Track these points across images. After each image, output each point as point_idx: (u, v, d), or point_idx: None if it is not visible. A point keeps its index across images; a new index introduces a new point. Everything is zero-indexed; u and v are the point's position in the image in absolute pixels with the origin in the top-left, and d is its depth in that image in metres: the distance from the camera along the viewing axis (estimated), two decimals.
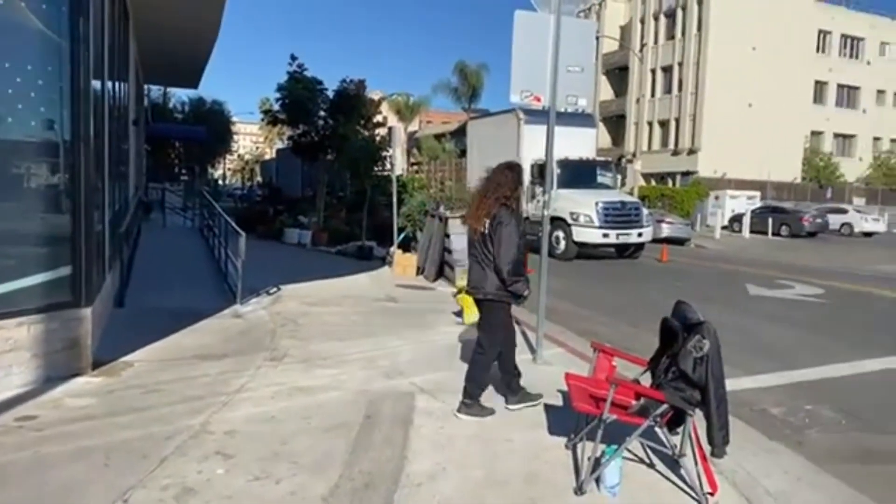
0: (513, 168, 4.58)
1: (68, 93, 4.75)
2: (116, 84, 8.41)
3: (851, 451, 4.50)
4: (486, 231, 4.37)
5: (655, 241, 20.15)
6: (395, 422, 4.29)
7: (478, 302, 4.61)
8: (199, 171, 42.27)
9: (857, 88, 47.72)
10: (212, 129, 33.35)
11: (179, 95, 41.32)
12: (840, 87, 47.24)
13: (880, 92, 48.41)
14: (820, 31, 45.37)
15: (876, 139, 48.56)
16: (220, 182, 61.00)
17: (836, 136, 47.78)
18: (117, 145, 8.67)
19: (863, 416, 5.15)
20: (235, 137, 62.38)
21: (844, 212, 33.09)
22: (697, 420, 3.45)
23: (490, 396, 4.72)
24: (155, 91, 33.69)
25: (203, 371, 5.18)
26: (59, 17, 4.78)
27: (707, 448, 3.41)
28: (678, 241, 22.91)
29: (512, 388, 4.66)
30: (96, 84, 5.58)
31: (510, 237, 4.28)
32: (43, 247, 4.93)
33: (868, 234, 31.06)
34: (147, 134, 23.52)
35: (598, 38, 43.30)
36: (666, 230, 22.69)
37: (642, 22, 45.78)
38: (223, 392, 4.69)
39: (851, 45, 47.75)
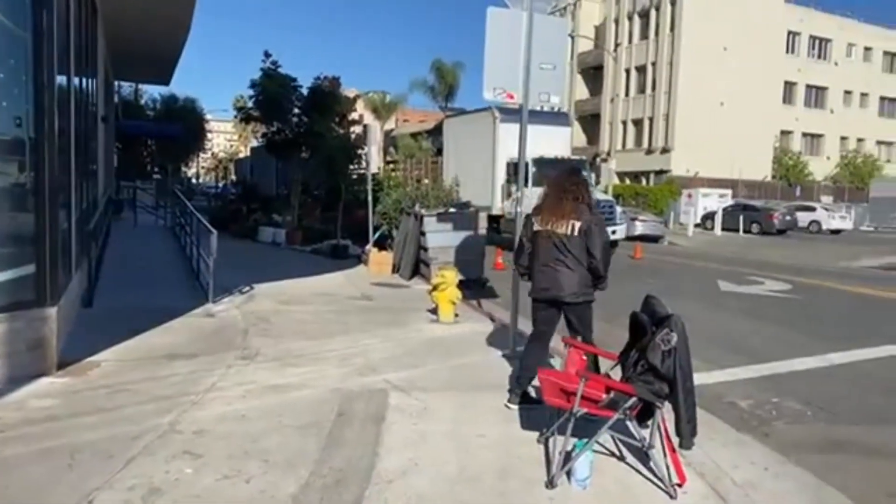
0: (580, 172, 4.79)
1: (32, 87, 4.64)
2: (83, 79, 8.24)
3: (816, 442, 4.60)
4: (575, 233, 4.35)
5: (629, 238, 20.40)
6: (368, 419, 4.27)
7: (560, 304, 4.47)
8: (172, 170, 41.62)
9: (824, 89, 48.77)
10: (185, 126, 32.81)
11: (151, 92, 40.64)
12: (809, 87, 48.25)
13: (847, 92, 49.55)
14: (789, 33, 46.26)
15: (843, 138, 49.70)
16: (194, 181, 60.16)
17: (805, 135, 48.79)
18: (85, 142, 8.49)
19: (827, 408, 5.27)
20: (209, 135, 61.52)
21: (813, 210, 33.77)
22: (666, 412, 3.49)
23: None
24: (126, 88, 33.07)
25: (173, 370, 5.11)
26: (21, 8, 4.67)
27: (676, 440, 3.46)
28: (652, 239, 23.17)
29: (521, 384, 4.65)
30: (61, 79, 5.46)
31: (604, 237, 4.45)
32: (5, 245, 4.81)
33: (835, 232, 31.74)
34: (118, 131, 23.08)
35: (573, 38, 43.69)
36: (640, 228, 22.94)
37: (616, 22, 46.19)
38: (193, 391, 4.62)
39: (820, 46, 48.77)
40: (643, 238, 21.92)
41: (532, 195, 16.20)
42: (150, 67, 16.20)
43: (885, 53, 51.00)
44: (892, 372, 6.50)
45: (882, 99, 51.27)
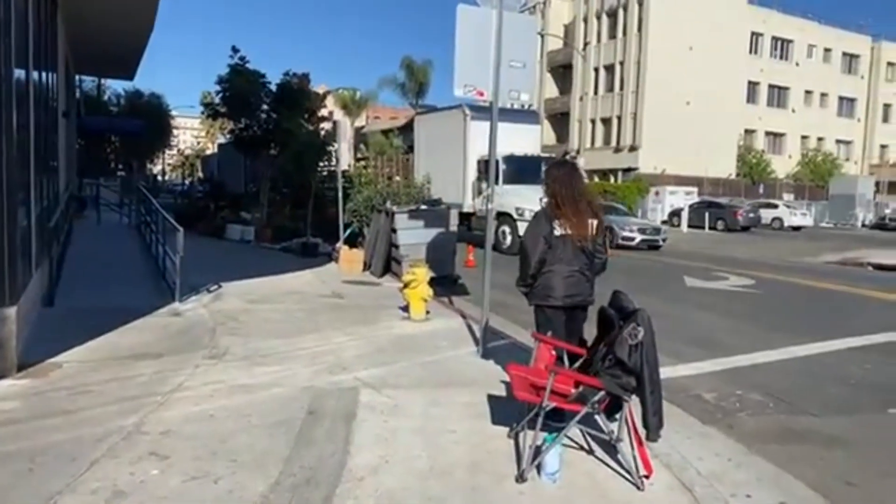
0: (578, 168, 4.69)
1: None
2: (43, 73, 8.01)
3: (777, 433, 4.72)
4: (594, 232, 4.28)
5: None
6: (339, 417, 4.25)
7: (582, 310, 4.41)
8: (137, 167, 40.77)
9: (786, 89, 50.01)
10: (150, 122, 32.15)
11: (115, 87, 39.74)
12: (771, 87, 49.42)
13: (808, 93, 50.90)
14: (752, 34, 47.30)
15: (804, 137, 51.05)
16: (160, 178, 59.01)
17: (768, 134, 49.98)
18: (45, 138, 8.26)
19: (788, 400, 5.42)
20: (176, 132, 60.48)
21: (775, 207, 34.66)
22: (634, 406, 3.55)
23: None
24: (88, 83, 32.27)
25: (138, 371, 5.01)
26: None
27: (643, 432, 3.52)
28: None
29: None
30: (20, 73, 5.30)
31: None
32: None
33: (797, 228, 32.61)
34: (80, 127, 22.49)
35: (542, 36, 44.00)
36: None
37: (585, 21, 46.66)
38: (159, 392, 4.54)
39: (782, 47, 49.97)
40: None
41: (503, 192, 16.18)
42: (113, 62, 15.82)
43: (844, 54, 52.51)
44: (849, 364, 6.71)
45: (841, 99, 52.81)
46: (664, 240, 20.06)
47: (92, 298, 7.70)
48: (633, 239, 19.15)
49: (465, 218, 17.35)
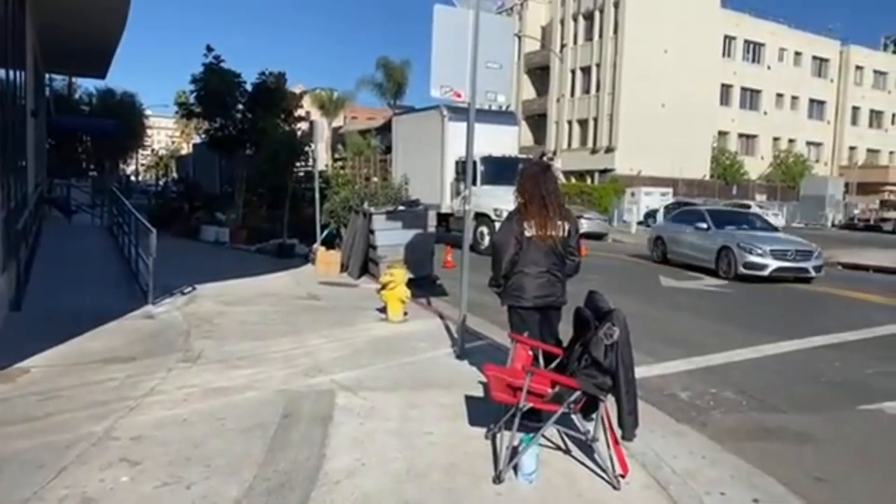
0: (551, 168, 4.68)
1: None
2: (10, 71, 7.83)
3: (749, 430, 4.80)
4: (564, 234, 4.28)
5: None
6: (315, 420, 4.21)
7: (555, 310, 4.42)
8: (110, 167, 40.04)
9: (758, 91, 50.91)
10: (122, 122, 31.60)
11: (86, 86, 38.97)
12: (744, 89, 50.27)
13: (779, 95, 51.87)
14: (725, 37, 48.07)
15: (776, 139, 52.03)
16: (133, 178, 58.07)
17: (741, 136, 50.84)
18: (13, 137, 8.07)
19: (760, 397, 5.50)
20: (149, 132, 59.55)
21: (748, 207, 35.19)
22: (610, 405, 3.57)
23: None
24: (59, 81, 31.60)
25: (109, 375, 4.91)
26: None
27: (619, 432, 3.55)
28: (596, 237, 23.66)
29: None
30: None
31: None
32: None
33: None
34: (50, 126, 22.02)
35: (519, 38, 44.20)
36: (585, 226, 23.31)
37: (562, 23, 46.98)
38: (131, 396, 4.46)
39: (754, 50, 50.86)
40: (588, 236, 22.30)
41: (481, 193, 16.19)
42: (84, 60, 15.52)
43: (814, 58, 53.62)
44: (819, 361, 6.84)
45: (811, 101, 53.92)
46: (819, 268, 13.16)
47: (62, 301, 7.53)
48: (763, 267, 12.74)
49: (443, 219, 17.34)
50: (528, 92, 50.31)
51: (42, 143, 18.33)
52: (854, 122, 55.76)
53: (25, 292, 7.39)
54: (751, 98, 51.02)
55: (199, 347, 5.86)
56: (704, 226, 14.47)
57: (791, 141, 52.54)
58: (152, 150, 75.55)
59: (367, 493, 3.25)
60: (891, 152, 57.10)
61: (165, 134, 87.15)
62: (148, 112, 48.60)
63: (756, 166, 49.90)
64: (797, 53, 52.58)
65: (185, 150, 59.98)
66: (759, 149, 51.51)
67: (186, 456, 3.56)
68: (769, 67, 50.98)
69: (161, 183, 49.93)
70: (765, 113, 51.26)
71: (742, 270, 12.87)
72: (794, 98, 52.74)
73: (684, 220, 15.67)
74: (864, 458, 4.42)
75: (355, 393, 4.78)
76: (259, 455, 3.62)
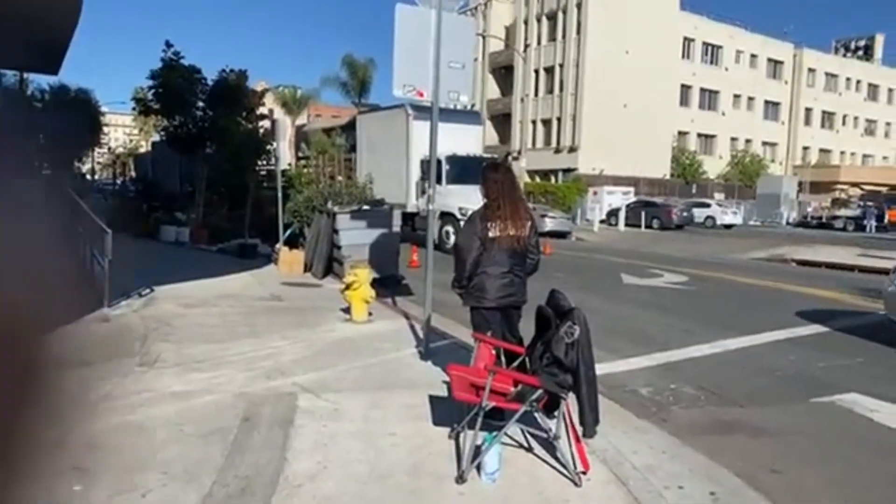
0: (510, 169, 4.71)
1: None
2: None
3: (708, 424, 4.90)
4: (527, 233, 4.30)
5: (539, 234, 20.96)
6: (276, 423, 4.15)
7: (516, 309, 4.45)
8: (64, 165, 38.82)
9: (716, 92, 52.08)
10: (77, 119, 30.70)
11: (39, 82, 37.68)
12: (702, 90, 51.35)
13: (736, 96, 53.16)
14: (685, 39, 49.03)
15: (733, 139, 53.32)
16: (89, 177, 56.37)
17: (700, 136, 51.94)
18: None
19: (718, 392, 5.63)
20: (106, 129, 57.92)
21: (708, 206, 36.09)
22: (571, 403, 3.61)
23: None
24: (10, 77, 30.46)
25: (60, 382, 4.74)
26: None
27: (580, 429, 3.58)
28: (560, 235, 23.94)
29: None
30: None
31: None
32: None
33: (728, 227, 34.02)
34: None
35: (483, 38, 44.37)
36: (549, 224, 23.63)
37: (526, 23, 47.28)
38: (84, 402, 4.31)
39: (712, 52, 52.00)
40: (552, 234, 22.59)
41: (446, 192, 16.19)
42: (34, 55, 14.98)
43: (769, 60, 55.12)
44: (775, 356, 7.03)
45: (766, 103, 55.40)
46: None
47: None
48: None
49: (408, 218, 17.29)
50: (493, 91, 50.52)
51: None
52: (807, 122, 57.55)
53: None
54: (709, 99, 52.17)
55: (156, 351, 5.72)
56: None
57: (748, 141, 53.94)
58: (109, 148, 73.48)
59: (328, 496, 3.22)
60: (842, 152, 59.16)
61: (123, 132, 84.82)
62: (104, 109, 47.29)
63: (715, 166, 51.08)
64: (753, 56, 53.96)
65: (144, 148, 58.50)
66: (718, 148, 52.74)
67: (142, 462, 3.47)
68: (727, 69, 52.21)
69: (119, 182, 48.64)
70: (723, 113, 52.50)
71: None
72: (751, 99, 54.13)
73: None
74: (817, 449, 4.55)
75: (318, 395, 4.72)
76: (218, 460, 3.55)
